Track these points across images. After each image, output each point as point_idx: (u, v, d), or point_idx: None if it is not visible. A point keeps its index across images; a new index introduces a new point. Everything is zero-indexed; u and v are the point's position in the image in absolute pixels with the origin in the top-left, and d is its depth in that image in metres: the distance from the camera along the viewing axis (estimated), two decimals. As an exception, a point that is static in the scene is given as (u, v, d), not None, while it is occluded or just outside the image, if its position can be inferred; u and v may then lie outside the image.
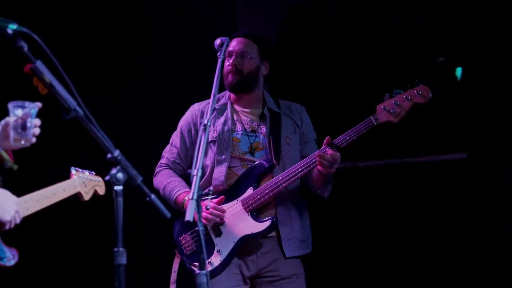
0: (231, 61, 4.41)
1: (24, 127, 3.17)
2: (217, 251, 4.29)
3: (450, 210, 6.04)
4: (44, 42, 2.82)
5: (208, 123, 3.15)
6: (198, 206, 2.92)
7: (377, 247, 6.25)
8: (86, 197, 3.80)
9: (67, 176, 3.77)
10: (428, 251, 6.07)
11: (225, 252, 4.30)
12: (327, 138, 4.20)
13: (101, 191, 3.92)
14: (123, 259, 2.79)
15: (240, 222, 4.30)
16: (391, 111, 4.19)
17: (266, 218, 4.30)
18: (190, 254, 4.39)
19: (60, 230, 5.95)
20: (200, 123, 4.49)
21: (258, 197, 4.27)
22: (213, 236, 4.33)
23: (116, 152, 2.81)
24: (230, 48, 4.44)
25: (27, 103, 3.20)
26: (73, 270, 6.10)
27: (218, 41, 3.55)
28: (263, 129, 4.46)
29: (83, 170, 3.86)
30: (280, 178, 4.26)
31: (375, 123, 4.19)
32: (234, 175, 4.40)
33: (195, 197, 2.94)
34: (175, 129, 4.69)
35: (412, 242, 6.14)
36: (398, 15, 6.30)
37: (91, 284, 6.00)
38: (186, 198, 4.38)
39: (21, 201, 3.25)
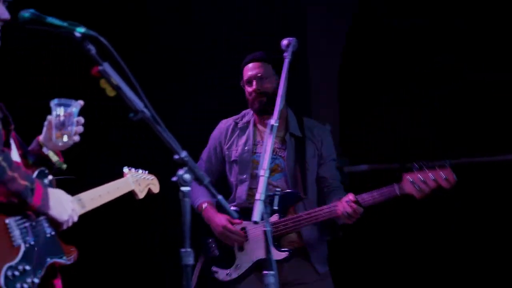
0: (253, 87, 4.55)
1: (65, 125, 3.18)
2: (236, 266, 4.40)
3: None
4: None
5: (276, 124, 3.20)
6: (266, 207, 2.95)
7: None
8: (140, 195, 3.81)
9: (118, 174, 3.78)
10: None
11: (243, 268, 4.45)
12: (351, 195, 4.29)
13: (155, 189, 3.93)
14: (190, 260, 2.80)
15: (261, 244, 4.39)
16: (416, 186, 4.24)
17: (285, 250, 4.41)
18: (212, 257, 4.50)
19: (118, 228, 5.92)
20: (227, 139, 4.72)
21: (281, 227, 4.38)
22: (236, 250, 4.44)
23: (183, 153, 2.83)
24: (248, 74, 4.58)
25: (69, 101, 3.21)
26: (131, 268, 6.09)
27: (285, 42, 3.58)
28: (284, 152, 4.55)
29: (136, 169, 3.87)
30: (304, 217, 4.37)
31: (398, 193, 4.26)
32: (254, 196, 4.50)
33: (262, 197, 2.98)
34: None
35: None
36: (398, 15, 6.38)
37: (148, 283, 6.01)
38: (203, 206, 4.58)
39: (76, 199, 3.25)
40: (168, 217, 4.92)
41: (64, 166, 3.31)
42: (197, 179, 2.85)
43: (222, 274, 4.48)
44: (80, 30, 2.84)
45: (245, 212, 4.36)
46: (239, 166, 4.58)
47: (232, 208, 4.47)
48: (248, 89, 4.58)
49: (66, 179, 3.61)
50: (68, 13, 5.94)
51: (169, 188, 4.18)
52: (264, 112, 4.58)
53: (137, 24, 6.33)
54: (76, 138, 3.24)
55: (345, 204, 4.25)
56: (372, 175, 6.08)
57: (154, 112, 2.84)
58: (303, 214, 4.37)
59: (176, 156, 2.84)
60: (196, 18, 6.44)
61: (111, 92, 2.82)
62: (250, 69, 4.60)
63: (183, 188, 2.82)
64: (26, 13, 2.87)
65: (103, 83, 2.82)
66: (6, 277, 2.80)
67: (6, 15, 3.07)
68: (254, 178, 4.52)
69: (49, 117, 3.22)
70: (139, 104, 2.82)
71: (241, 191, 4.53)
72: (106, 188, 3.53)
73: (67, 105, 3.19)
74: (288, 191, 4.44)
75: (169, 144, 2.85)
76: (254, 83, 4.55)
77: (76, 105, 3.22)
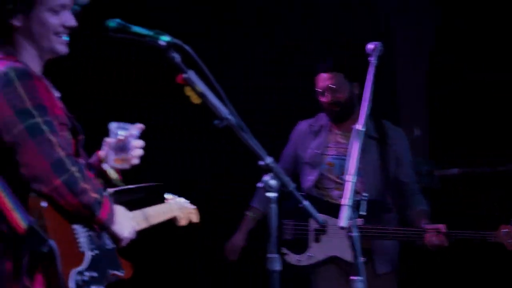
0: (326, 98, 4.65)
1: (124, 149, 3.17)
2: (309, 255, 4.43)
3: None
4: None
5: (362, 129, 3.19)
6: (353, 212, 2.93)
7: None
8: (182, 222, 3.81)
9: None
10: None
11: (315, 259, 4.56)
12: (443, 227, 4.36)
13: (195, 218, 3.92)
14: (277, 265, 2.80)
15: (338, 241, 4.40)
16: (510, 240, 4.30)
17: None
18: (284, 240, 4.54)
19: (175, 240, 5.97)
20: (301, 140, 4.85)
21: (364, 232, 4.33)
22: (311, 239, 4.47)
23: (269, 159, 2.83)
24: (320, 85, 4.66)
25: (128, 125, 3.19)
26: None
27: (370, 46, 3.57)
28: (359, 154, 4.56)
29: (178, 196, 3.88)
30: (390, 231, 4.42)
31: (489, 240, 4.34)
32: (327, 196, 4.59)
33: (350, 203, 2.96)
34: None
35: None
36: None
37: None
38: (247, 213, 4.85)
39: (132, 217, 3.26)
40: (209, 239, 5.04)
41: (122, 184, 3.31)
42: (283, 185, 2.84)
43: (292, 258, 4.57)
44: (164, 39, 2.85)
45: (315, 202, 4.35)
46: (309, 167, 4.66)
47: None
48: (322, 98, 4.69)
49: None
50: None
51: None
52: (338, 120, 4.66)
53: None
54: (135, 161, 3.21)
55: (433, 234, 4.33)
56: (463, 179, 6.01)
57: (239, 119, 2.84)
58: (390, 228, 4.40)
59: (261, 162, 2.83)
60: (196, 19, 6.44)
61: (196, 100, 2.82)
62: (322, 80, 4.68)
63: (269, 194, 2.82)
64: (112, 23, 2.90)
65: (188, 91, 2.83)
66: (76, 282, 2.81)
67: (73, 22, 3.07)
68: (330, 179, 4.64)
69: (107, 139, 3.20)
70: (224, 111, 2.82)
71: (308, 190, 4.66)
72: (155, 210, 3.54)
73: (126, 129, 3.17)
74: (377, 200, 4.45)
75: (255, 151, 2.84)
76: (327, 94, 4.62)
77: (135, 129, 3.20)
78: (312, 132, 4.77)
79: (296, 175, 4.79)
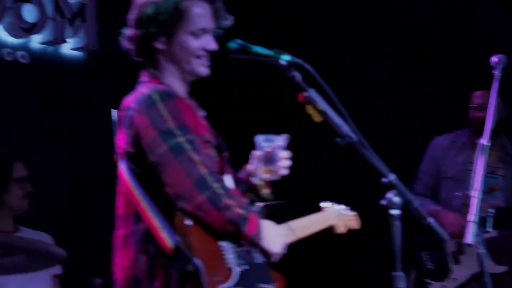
0: (483, 115, 4.49)
1: (271, 160, 3.17)
2: (453, 279, 4.43)
3: None
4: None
5: (487, 144, 3.15)
6: (479, 228, 2.88)
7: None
8: (340, 229, 3.79)
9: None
10: None
11: (460, 281, 4.53)
12: None
13: (356, 225, 3.90)
14: (402, 283, 2.77)
15: (476, 256, 4.33)
16: None
17: (503, 264, 4.45)
18: (426, 271, 4.49)
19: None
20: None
21: (500, 241, 4.42)
22: (451, 263, 4.44)
23: (392, 176, 2.81)
24: (476, 102, 4.79)
25: (274, 137, 3.20)
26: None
27: (495, 59, 3.53)
28: (501, 171, 4.70)
29: (335, 204, 3.87)
30: None
31: None
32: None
33: (476, 219, 2.91)
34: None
35: None
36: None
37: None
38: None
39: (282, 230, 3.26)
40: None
41: (272, 197, 3.29)
42: (407, 201, 2.81)
43: (436, 286, 4.58)
44: (285, 58, 2.88)
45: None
46: (454, 183, 4.69)
47: None
48: (475, 114, 4.79)
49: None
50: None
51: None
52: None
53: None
54: (284, 172, 3.21)
55: None
56: None
57: (361, 136, 2.83)
58: None
59: (384, 179, 2.81)
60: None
61: (317, 118, 2.84)
62: (477, 97, 4.82)
63: (393, 212, 2.79)
64: (233, 44, 2.96)
65: (309, 109, 2.85)
66: None
67: (213, 46, 3.11)
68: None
69: (254, 152, 3.22)
70: (345, 128, 2.82)
71: (455, 208, 4.64)
72: (307, 220, 3.56)
73: (272, 140, 3.18)
74: (505, 207, 4.40)
75: (377, 168, 2.82)
76: (481, 111, 4.66)
77: (282, 140, 3.20)
78: (456, 148, 4.83)
79: (435, 190, 4.85)
